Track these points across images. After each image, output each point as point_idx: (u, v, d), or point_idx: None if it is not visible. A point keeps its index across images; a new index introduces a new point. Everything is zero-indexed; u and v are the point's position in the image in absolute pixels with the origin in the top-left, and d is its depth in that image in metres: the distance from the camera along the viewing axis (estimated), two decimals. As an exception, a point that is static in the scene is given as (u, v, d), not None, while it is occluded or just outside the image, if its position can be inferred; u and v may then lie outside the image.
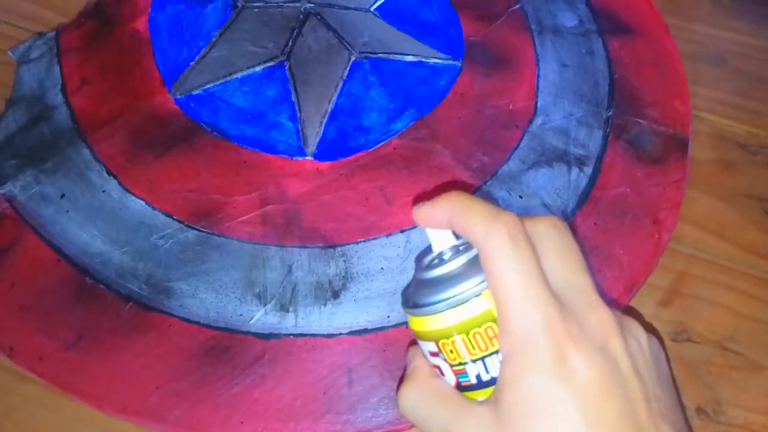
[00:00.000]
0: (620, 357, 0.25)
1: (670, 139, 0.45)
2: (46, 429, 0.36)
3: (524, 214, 0.40)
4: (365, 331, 0.37)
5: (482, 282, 0.26)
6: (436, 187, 0.41)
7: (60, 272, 0.38)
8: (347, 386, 0.36)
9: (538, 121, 0.44)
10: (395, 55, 0.45)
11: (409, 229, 0.40)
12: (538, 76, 0.46)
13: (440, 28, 0.47)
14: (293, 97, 0.43)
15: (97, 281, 0.38)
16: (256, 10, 0.46)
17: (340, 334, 0.37)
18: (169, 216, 0.39)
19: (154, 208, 0.40)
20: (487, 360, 0.26)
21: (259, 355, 0.36)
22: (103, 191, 0.40)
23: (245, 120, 0.42)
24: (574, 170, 0.43)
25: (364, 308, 0.37)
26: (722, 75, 0.51)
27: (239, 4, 0.46)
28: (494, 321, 0.26)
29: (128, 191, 0.40)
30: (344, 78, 0.43)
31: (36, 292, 0.38)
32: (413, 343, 0.30)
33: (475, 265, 0.27)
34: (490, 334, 0.26)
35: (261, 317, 0.37)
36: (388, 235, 0.39)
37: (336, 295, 0.38)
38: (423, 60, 0.45)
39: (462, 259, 0.28)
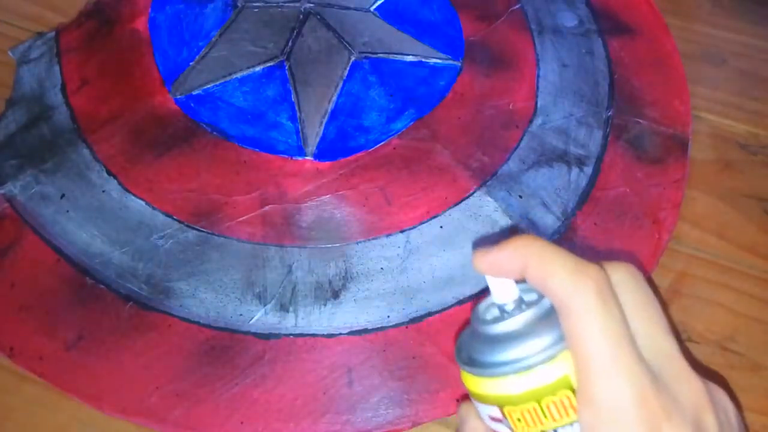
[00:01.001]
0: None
1: (670, 139, 0.45)
2: (46, 429, 0.36)
3: (524, 214, 0.41)
4: (365, 331, 0.37)
5: (556, 343, 0.23)
6: (435, 186, 0.41)
7: (60, 272, 0.38)
8: (347, 386, 0.36)
9: (538, 121, 0.44)
10: (395, 55, 0.45)
11: (409, 228, 0.40)
12: (538, 76, 0.46)
13: (440, 28, 0.47)
14: (293, 97, 0.43)
15: (97, 281, 0.38)
16: (256, 10, 0.46)
17: (340, 334, 0.37)
18: (169, 216, 0.39)
19: (154, 208, 0.40)
20: (560, 431, 0.23)
21: (259, 355, 0.36)
22: (103, 191, 0.40)
23: (245, 120, 0.42)
24: (574, 170, 0.43)
25: (364, 308, 0.37)
26: (722, 75, 0.51)
27: (239, 4, 0.46)
28: (571, 388, 0.23)
29: (128, 191, 0.40)
30: (344, 78, 0.43)
31: (36, 292, 0.38)
32: (465, 398, 0.27)
33: (545, 323, 0.24)
34: (566, 403, 0.23)
35: (261, 317, 0.37)
36: (388, 235, 0.39)
37: (336, 295, 0.38)
38: (423, 60, 0.45)
39: (529, 315, 0.24)
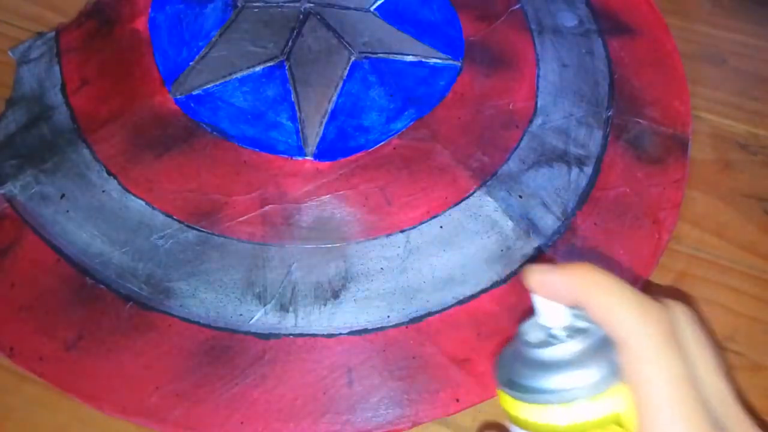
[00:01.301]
0: None
1: (670, 139, 0.45)
2: (46, 429, 0.36)
3: (524, 214, 0.41)
4: (365, 331, 0.37)
5: (607, 377, 0.22)
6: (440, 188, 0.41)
7: (60, 272, 0.38)
8: (347, 386, 0.36)
9: (538, 121, 0.44)
10: (395, 55, 0.45)
11: (409, 228, 0.40)
12: (538, 76, 0.46)
13: (440, 28, 0.47)
14: (293, 97, 0.43)
15: (97, 281, 0.38)
16: (256, 10, 0.46)
17: (340, 334, 0.37)
18: (169, 216, 0.39)
19: (154, 208, 0.40)
20: None
21: (259, 355, 0.36)
22: (103, 191, 0.40)
23: (245, 120, 0.42)
24: (574, 170, 0.43)
25: (364, 308, 0.37)
26: (722, 75, 0.51)
27: (239, 4, 0.46)
28: (619, 424, 0.22)
29: (128, 191, 0.40)
30: (344, 78, 0.43)
31: (36, 292, 0.38)
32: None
33: (597, 354, 0.23)
34: None
35: (261, 317, 0.37)
36: (388, 235, 0.39)
37: (336, 295, 0.38)
38: (423, 60, 0.45)
39: (581, 344, 0.23)
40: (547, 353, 0.23)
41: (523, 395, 0.24)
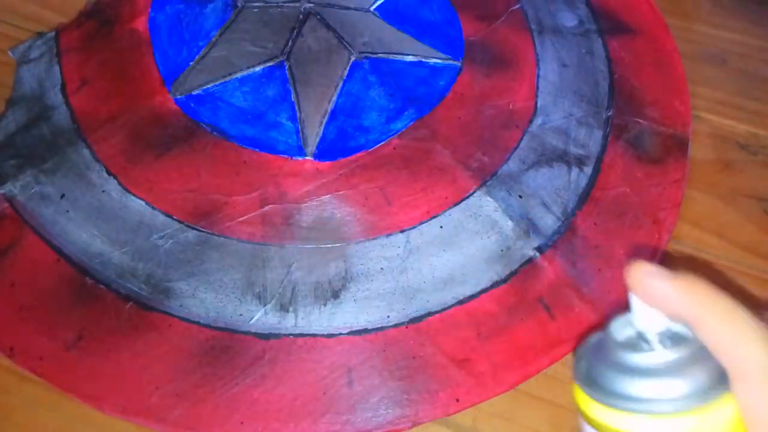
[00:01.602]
0: None
1: (670, 139, 0.45)
2: (46, 429, 0.36)
3: (524, 214, 0.41)
4: (365, 331, 0.37)
5: (699, 394, 0.21)
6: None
7: (60, 272, 0.38)
8: (347, 386, 0.36)
9: (538, 121, 0.44)
10: (395, 55, 0.45)
11: (409, 228, 0.40)
12: (538, 76, 0.46)
13: (440, 28, 0.47)
14: (293, 97, 0.43)
15: (97, 281, 0.38)
16: (256, 9, 0.46)
17: (340, 334, 0.37)
18: (169, 216, 0.39)
19: (154, 208, 0.40)
20: None
21: (259, 355, 0.36)
22: (103, 191, 0.40)
23: (245, 120, 0.42)
24: (574, 170, 0.43)
25: (364, 308, 0.37)
26: (722, 75, 0.51)
27: (239, 4, 0.46)
28: None
29: (128, 191, 0.40)
30: (344, 78, 0.43)
31: (36, 292, 0.38)
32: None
33: (691, 368, 0.22)
34: None
35: (261, 317, 0.37)
36: (388, 235, 0.39)
37: (336, 295, 0.38)
38: (423, 60, 0.45)
39: (675, 354, 0.22)
40: (637, 359, 0.22)
41: (605, 398, 0.22)
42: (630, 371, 0.22)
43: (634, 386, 0.22)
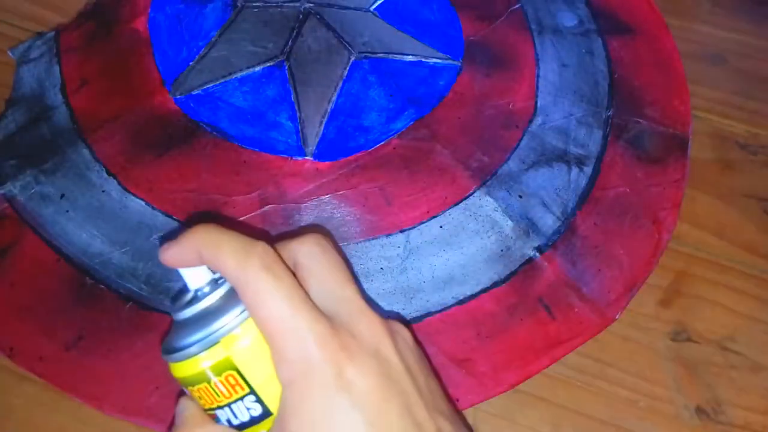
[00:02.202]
0: (392, 358, 0.26)
1: (670, 139, 0.45)
2: (46, 429, 0.36)
3: (524, 214, 0.40)
4: (365, 331, 0.37)
5: (215, 331, 0.26)
6: (430, 186, 0.41)
7: (60, 272, 0.38)
8: (347, 386, 0.36)
9: (538, 120, 0.44)
10: (395, 55, 0.45)
11: (409, 228, 0.40)
12: (538, 75, 0.46)
13: (440, 28, 0.47)
14: (293, 97, 0.43)
15: (97, 281, 0.38)
16: (256, 9, 0.46)
17: (340, 334, 0.37)
18: (169, 216, 0.39)
19: (154, 208, 0.40)
20: (233, 406, 0.26)
21: (258, 355, 0.36)
22: (103, 191, 0.40)
23: (245, 120, 0.42)
24: (574, 170, 0.43)
25: (364, 308, 0.37)
26: (722, 75, 0.51)
27: (239, 4, 0.46)
28: (234, 369, 0.26)
29: (128, 191, 0.40)
30: (344, 78, 0.43)
31: (36, 292, 0.38)
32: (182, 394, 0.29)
33: (208, 315, 0.26)
34: (232, 381, 0.26)
35: (261, 317, 0.37)
36: (387, 235, 0.39)
37: (336, 295, 0.38)
38: (423, 60, 0.45)
39: (219, 293, 0.27)
40: (189, 311, 0.27)
41: (166, 356, 0.27)
42: (185, 324, 0.26)
43: (188, 334, 0.26)
